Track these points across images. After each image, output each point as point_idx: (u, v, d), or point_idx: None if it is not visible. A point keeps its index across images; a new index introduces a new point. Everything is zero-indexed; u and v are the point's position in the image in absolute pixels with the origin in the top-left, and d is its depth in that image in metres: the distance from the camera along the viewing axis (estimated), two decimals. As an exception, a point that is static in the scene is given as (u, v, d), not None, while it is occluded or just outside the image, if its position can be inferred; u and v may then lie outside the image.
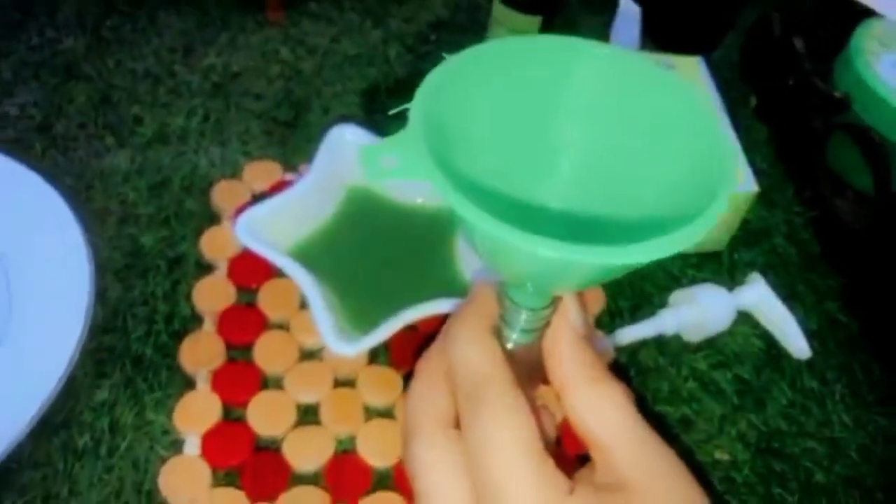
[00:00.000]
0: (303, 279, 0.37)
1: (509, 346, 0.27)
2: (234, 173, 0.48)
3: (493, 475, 0.23)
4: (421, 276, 0.41)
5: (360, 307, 0.39)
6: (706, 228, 0.20)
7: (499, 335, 0.26)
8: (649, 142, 0.25)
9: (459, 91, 0.24)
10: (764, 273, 0.46)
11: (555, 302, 0.26)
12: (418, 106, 0.23)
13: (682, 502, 0.23)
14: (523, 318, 0.26)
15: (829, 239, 0.49)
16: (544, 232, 0.20)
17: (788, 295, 0.47)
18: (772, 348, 0.44)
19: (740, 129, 0.56)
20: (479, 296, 0.27)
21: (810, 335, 0.44)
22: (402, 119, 0.22)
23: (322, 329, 0.35)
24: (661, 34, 0.60)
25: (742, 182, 0.44)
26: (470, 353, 0.25)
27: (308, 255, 0.39)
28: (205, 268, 0.43)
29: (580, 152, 0.26)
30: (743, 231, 0.49)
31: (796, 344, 0.43)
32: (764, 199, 0.52)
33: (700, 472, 0.39)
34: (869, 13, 0.53)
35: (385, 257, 0.41)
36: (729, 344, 0.44)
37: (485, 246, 0.23)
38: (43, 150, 0.48)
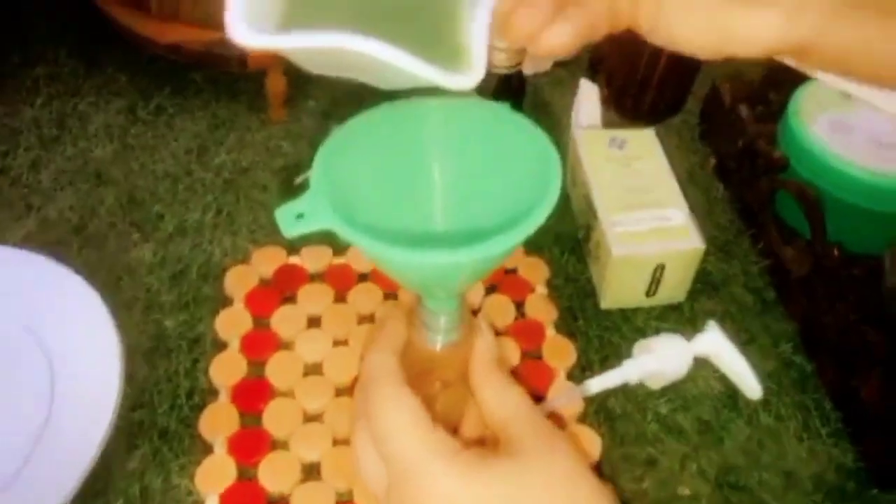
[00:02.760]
0: None
1: (438, 347, 0.34)
2: (244, 259, 0.54)
3: (389, 446, 0.30)
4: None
5: None
6: (519, 238, 0.27)
7: (425, 342, 0.34)
8: (498, 167, 0.32)
9: (351, 152, 0.31)
10: (722, 320, 0.50)
11: (463, 304, 0.33)
12: (316, 170, 0.29)
13: (564, 465, 0.30)
14: (442, 321, 0.34)
15: (780, 285, 0.54)
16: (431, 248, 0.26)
17: (746, 340, 0.51)
18: (729, 390, 0.48)
19: (701, 188, 0.61)
20: (388, 323, 0.35)
21: (766, 376, 0.49)
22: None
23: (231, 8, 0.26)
24: (625, 105, 0.66)
25: (691, 240, 0.50)
26: (369, 363, 0.33)
27: None
28: (220, 345, 0.49)
29: (451, 182, 0.33)
30: (703, 282, 0.54)
31: (749, 385, 0.47)
32: (722, 251, 0.57)
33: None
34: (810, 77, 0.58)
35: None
36: (689, 388, 0.48)
37: (388, 269, 0.30)
38: (79, 248, 0.55)
